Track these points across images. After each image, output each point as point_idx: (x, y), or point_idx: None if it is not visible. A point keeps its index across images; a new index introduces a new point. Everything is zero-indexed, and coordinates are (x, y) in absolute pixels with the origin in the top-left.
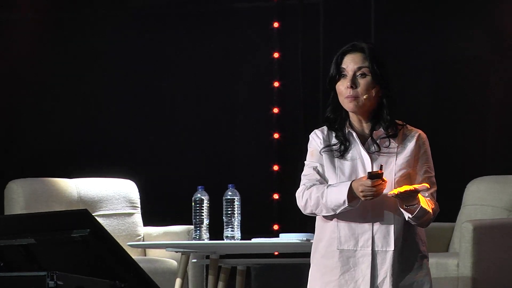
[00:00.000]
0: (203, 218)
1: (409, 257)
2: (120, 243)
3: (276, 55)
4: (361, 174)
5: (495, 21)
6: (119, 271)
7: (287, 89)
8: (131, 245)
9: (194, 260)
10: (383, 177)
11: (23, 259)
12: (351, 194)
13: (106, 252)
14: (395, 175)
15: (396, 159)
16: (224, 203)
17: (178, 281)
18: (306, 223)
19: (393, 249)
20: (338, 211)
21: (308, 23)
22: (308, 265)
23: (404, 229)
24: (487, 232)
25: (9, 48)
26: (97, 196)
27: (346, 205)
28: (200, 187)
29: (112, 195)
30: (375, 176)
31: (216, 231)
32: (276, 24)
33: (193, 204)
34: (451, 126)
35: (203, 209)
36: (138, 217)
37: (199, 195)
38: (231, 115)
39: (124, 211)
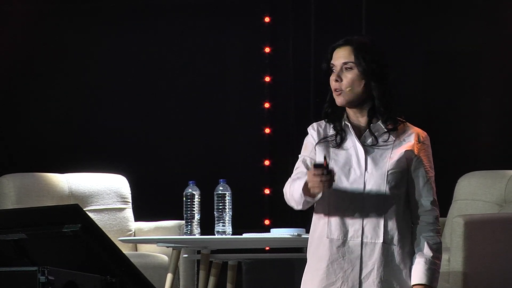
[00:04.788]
0: (194, 213)
1: (398, 251)
2: (111, 238)
3: (267, 49)
4: (355, 165)
5: (487, 14)
6: (110, 266)
7: (278, 84)
8: (122, 240)
9: (185, 255)
10: (330, 170)
11: (14, 254)
12: (306, 187)
13: (97, 247)
14: (388, 169)
15: (391, 154)
16: (215, 198)
17: (169, 276)
18: (297, 218)
19: (381, 241)
20: (301, 205)
21: (299, 18)
22: (299, 260)
23: (396, 222)
24: (478, 226)
25: (1, 40)
26: (88, 191)
27: (303, 198)
28: (191, 182)
29: (103, 190)
30: (319, 166)
31: (207, 226)
32: (267, 19)
33: (184, 199)
34: (442, 121)
35: (194, 204)
36: (129, 212)
37: (190, 190)
38: (222, 110)
39: (115, 206)
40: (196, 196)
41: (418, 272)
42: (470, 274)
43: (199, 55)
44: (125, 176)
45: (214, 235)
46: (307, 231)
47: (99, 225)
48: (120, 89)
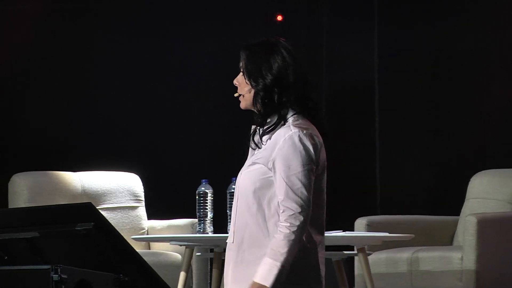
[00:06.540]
0: (207, 212)
1: (250, 253)
2: (124, 237)
3: None
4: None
5: (494, 14)
6: (123, 264)
7: None
8: (135, 239)
9: (198, 254)
10: None
11: (27, 252)
12: None
13: (110, 245)
14: (243, 171)
15: (255, 157)
16: (228, 197)
17: (182, 275)
18: None
19: (231, 241)
20: None
21: (311, 16)
22: None
23: (248, 223)
24: (490, 225)
25: (9, 39)
26: (101, 190)
27: None
28: (204, 180)
29: (116, 189)
30: None
31: (220, 225)
32: (279, 17)
33: (197, 197)
34: (453, 120)
35: (207, 203)
36: (142, 211)
37: (203, 188)
38: (234, 108)
39: (128, 205)
40: (209, 195)
41: None
42: (482, 273)
43: (210, 53)
44: (138, 175)
45: (227, 233)
46: None
47: (112, 224)
48: (133, 87)
